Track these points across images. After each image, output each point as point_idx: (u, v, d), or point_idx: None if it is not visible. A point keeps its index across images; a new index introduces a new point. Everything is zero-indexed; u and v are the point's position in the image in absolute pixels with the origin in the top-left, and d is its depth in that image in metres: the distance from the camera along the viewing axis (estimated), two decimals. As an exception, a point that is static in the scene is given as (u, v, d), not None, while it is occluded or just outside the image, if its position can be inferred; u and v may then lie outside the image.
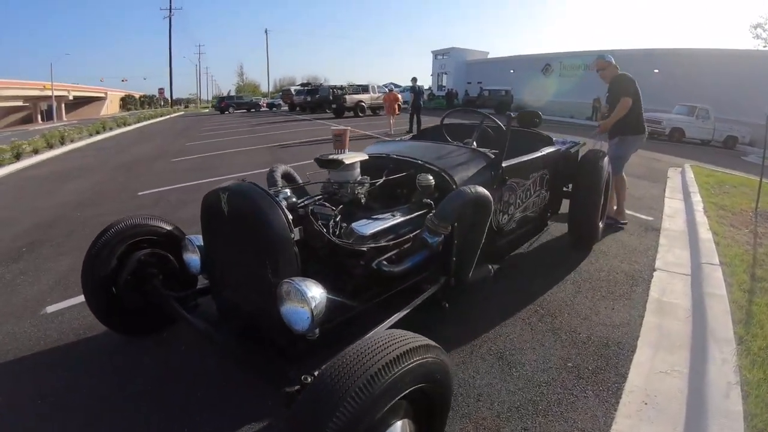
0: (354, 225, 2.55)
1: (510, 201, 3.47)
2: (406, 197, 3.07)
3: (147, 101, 77.02)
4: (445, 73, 38.73)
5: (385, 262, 2.47)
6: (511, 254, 4.14)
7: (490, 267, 3.17)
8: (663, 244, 4.96)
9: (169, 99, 61.99)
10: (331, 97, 27.89)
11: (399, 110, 16.76)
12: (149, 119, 36.46)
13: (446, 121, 4.60)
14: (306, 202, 2.63)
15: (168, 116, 43.48)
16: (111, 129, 26.65)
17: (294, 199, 2.50)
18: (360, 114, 26.05)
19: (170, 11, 57.69)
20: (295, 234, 2.14)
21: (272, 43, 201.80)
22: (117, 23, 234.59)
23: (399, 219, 2.72)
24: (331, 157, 2.85)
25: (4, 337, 3.34)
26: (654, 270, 4.25)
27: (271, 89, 72.97)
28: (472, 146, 3.83)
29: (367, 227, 2.56)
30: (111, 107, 72.48)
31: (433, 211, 2.60)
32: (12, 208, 7.97)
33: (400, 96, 18.02)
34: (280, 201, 2.28)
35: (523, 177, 3.61)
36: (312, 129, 20.48)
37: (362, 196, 2.86)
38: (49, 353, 3.13)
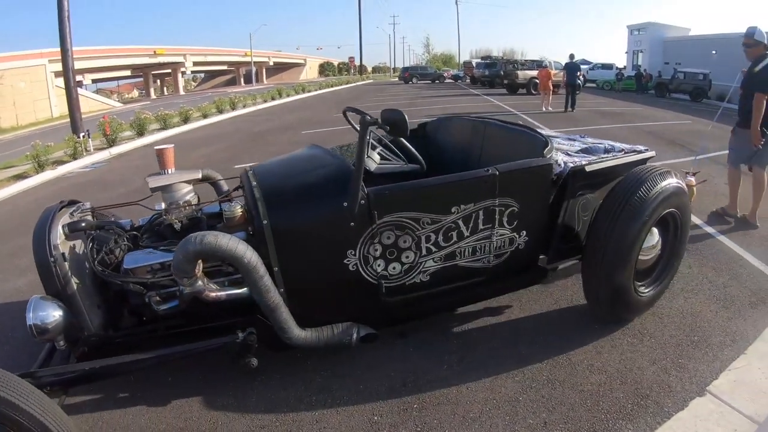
0: (128, 254, 2.56)
1: (402, 245, 2.60)
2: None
3: (345, 68, 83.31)
4: (641, 51, 34.81)
5: (158, 299, 2.46)
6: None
7: (354, 330, 2.58)
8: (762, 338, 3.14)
9: (359, 67, 66.38)
10: (502, 73, 27.13)
11: (553, 87, 16.87)
12: (330, 87, 39.63)
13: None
14: (104, 224, 2.71)
15: (352, 84, 46.78)
16: (288, 96, 29.29)
17: (86, 222, 2.61)
18: (533, 92, 24.36)
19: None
20: (56, 257, 2.35)
21: (469, 15, 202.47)
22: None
23: None
24: (147, 178, 2.79)
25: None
26: (701, 394, 2.60)
27: (468, 59, 73.11)
28: (370, 161, 3.04)
29: (136, 259, 2.52)
30: (310, 73, 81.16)
31: None
32: (137, 170, 9.47)
33: (553, 72, 17.59)
34: (68, 220, 2.53)
35: (431, 210, 2.60)
36: (473, 105, 19.90)
37: (176, 221, 2.70)
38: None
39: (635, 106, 18.61)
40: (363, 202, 2.43)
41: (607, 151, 3.46)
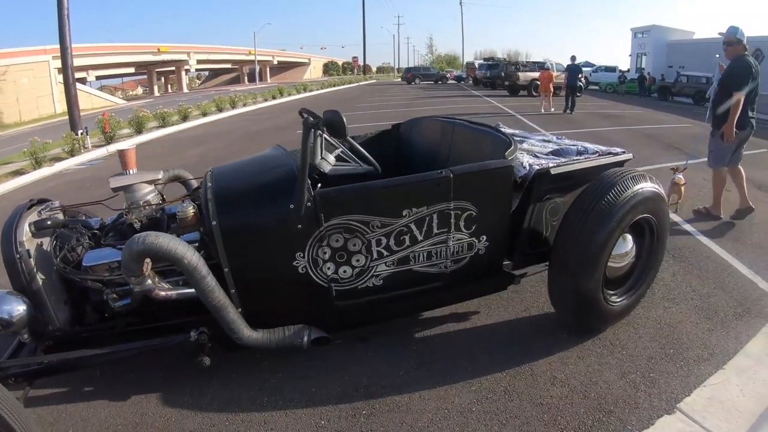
0: (89, 252, 2.64)
1: (352, 248, 2.59)
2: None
3: (349, 68, 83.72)
4: (645, 54, 34.97)
5: (114, 296, 2.54)
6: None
7: (306, 333, 2.62)
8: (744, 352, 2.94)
9: (362, 67, 67.83)
10: (503, 74, 27.24)
11: (553, 89, 17.13)
12: (332, 86, 39.90)
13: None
14: (69, 222, 2.82)
15: (354, 84, 46.86)
16: (289, 95, 29.37)
17: (51, 220, 2.66)
18: (534, 93, 24.06)
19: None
20: (22, 254, 2.45)
21: (474, 16, 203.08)
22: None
23: None
24: (110, 178, 2.87)
25: None
26: (670, 412, 2.45)
27: (473, 60, 73.63)
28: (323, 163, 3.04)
29: (95, 257, 2.60)
30: (314, 72, 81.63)
31: None
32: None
33: (555, 74, 17.56)
34: (36, 218, 2.63)
35: (381, 213, 2.57)
36: (471, 106, 19.77)
37: (136, 220, 2.81)
38: None
39: (636, 109, 18.54)
40: (309, 204, 2.43)
41: (579, 153, 3.31)
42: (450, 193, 2.63)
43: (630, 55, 37.52)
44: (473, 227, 2.77)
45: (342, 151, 2.97)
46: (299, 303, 2.68)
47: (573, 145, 3.46)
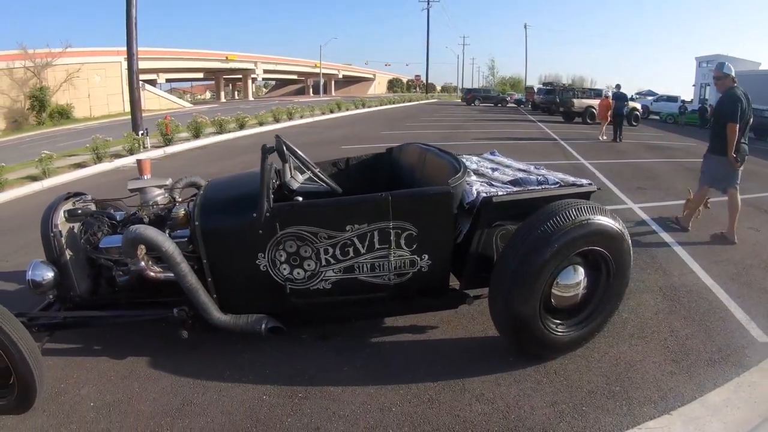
0: (106, 237, 3.33)
1: (303, 254, 3.08)
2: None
3: (412, 85, 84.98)
4: (708, 84, 33.57)
5: (120, 273, 3.22)
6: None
7: (264, 322, 3.13)
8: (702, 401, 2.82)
9: (425, 85, 69.18)
10: (557, 100, 27.19)
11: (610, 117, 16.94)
12: (391, 104, 40.84)
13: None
14: (99, 213, 3.52)
15: (414, 102, 47.73)
16: (346, 109, 30.48)
17: (81, 209, 3.40)
18: (588, 121, 23.82)
19: (428, 3, 65.20)
20: (55, 233, 3.19)
21: (543, 40, 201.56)
22: (384, 13, 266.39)
23: None
24: (128, 181, 3.64)
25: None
26: None
27: (536, 84, 73.13)
28: (291, 180, 3.62)
29: (109, 241, 3.30)
30: (378, 88, 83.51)
31: None
32: (180, 169, 10.41)
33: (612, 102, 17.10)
34: (71, 207, 3.38)
35: (327, 226, 3.02)
36: (519, 131, 19.82)
37: (146, 216, 3.47)
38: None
39: (690, 142, 17.79)
40: (268, 214, 2.97)
41: (540, 183, 3.36)
42: (389, 214, 3.03)
43: (694, 85, 36.49)
44: (414, 246, 3.12)
45: (312, 174, 3.58)
46: (261, 296, 3.24)
47: (531, 176, 3.55)
